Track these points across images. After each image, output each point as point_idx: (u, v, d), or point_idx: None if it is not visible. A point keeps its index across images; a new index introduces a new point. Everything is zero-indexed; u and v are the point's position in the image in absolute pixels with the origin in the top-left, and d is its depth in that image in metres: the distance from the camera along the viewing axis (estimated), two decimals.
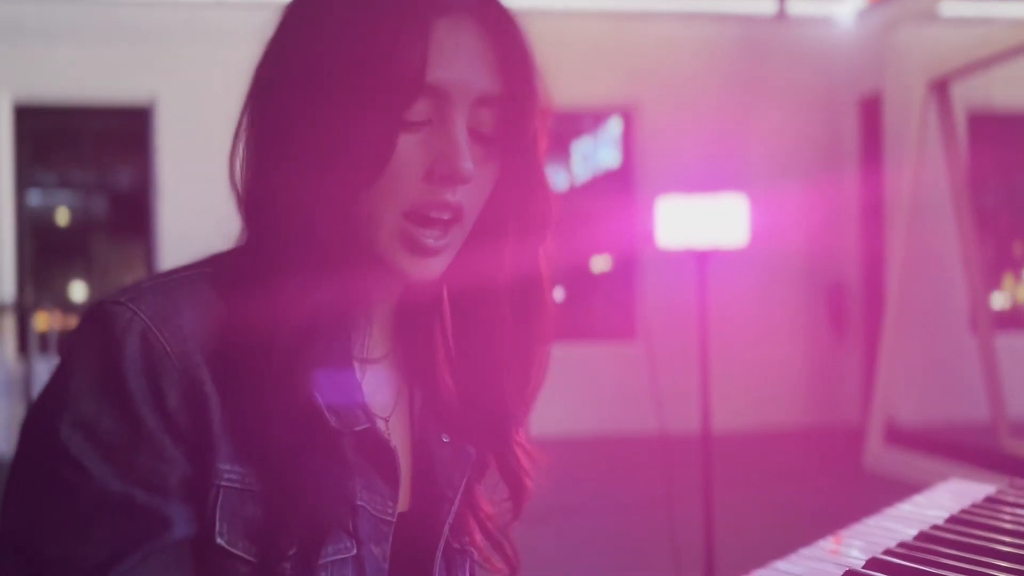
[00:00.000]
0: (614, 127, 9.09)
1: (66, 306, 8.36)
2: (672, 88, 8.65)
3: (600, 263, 9.16)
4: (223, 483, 0.79)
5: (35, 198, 8.63)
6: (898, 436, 6.81)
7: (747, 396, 8.32)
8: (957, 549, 0.98)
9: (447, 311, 0.96)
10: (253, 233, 0.85)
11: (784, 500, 5.94)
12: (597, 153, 9.22)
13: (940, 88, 6.54)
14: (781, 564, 0.98)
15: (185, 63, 8.00)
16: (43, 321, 7.84)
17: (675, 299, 7.46)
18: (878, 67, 8.35)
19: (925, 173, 6.67)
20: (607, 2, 8.63)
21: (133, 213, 8.45)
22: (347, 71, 0.80)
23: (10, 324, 7.90)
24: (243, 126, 0.86)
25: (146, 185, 8.35)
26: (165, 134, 8.13)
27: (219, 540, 0.78)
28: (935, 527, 1.06)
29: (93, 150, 8.66)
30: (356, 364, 0.87)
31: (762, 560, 0.98)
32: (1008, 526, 1.06)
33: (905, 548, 1.00)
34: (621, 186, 8.88)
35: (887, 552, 0.98)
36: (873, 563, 0.95)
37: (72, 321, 8.08)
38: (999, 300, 8.96)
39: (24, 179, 8.33)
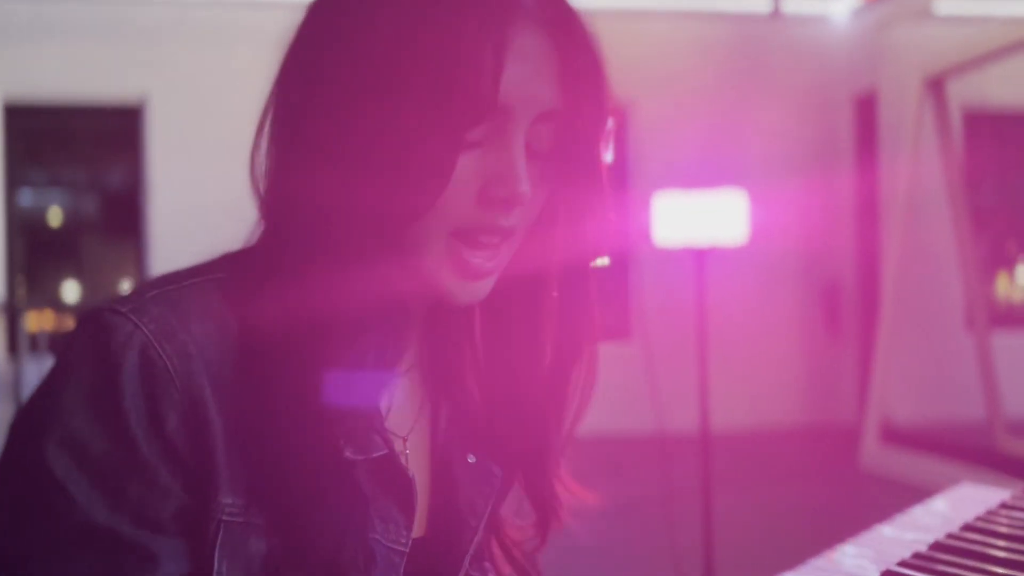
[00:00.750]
0: (609, 124, 9.05)
1: (57, 306, 8.31)
2: (667, 86, 8.61)
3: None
4: (224, 517, 0.72)
5: (26, 197, 8.58)
6: (894, 435, 6.79)
7: (742, 395, 8.30)
8: (975, 560, 0.95)
9: (478, 317, 0.89)
10: (278, 237, 0.77)
11: (781, 499, 5.92)
12: None
13: (935, 86, 6.52)
14: None
15: (176, 62, 7.96)
16: (34, 321, 7.79)
17: (671, 297, 7.43)
18: (873, 65, 8.34)
19: (921, 171, 6.65)
20: (602, 0, 8.60)
21: (124, 212, 8.40)
22: (415, 80, 0.72)
23: (0, 324, 7.85)
24: (269, 122, 0.78)
25: (137, 184, 8.32)
26: (156, 133, 8.09)
27: None
28: (950, 535, 1.03)
29: (84, 149, 8.62)
30: (382, 385, 0.79)
31: (762, 560, 0.95)
32: None
33: (920, 559, 0.96)
34: (616, 183, 8.83)
35: (902, 563, 0.95)
36: None
37: (63, 321, 8.03)
38: (995, 296, 8.95)
39: (15, 178, 8.28)
